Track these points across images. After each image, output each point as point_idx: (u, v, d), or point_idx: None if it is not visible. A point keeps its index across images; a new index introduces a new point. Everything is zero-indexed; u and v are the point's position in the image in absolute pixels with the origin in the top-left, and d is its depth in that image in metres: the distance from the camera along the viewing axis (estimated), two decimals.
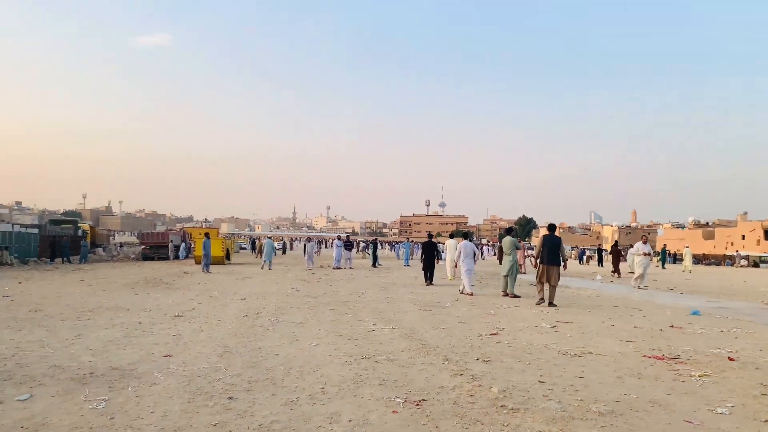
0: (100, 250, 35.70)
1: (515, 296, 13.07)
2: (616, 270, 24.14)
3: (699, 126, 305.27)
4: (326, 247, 59.22)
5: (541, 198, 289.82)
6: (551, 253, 11.67)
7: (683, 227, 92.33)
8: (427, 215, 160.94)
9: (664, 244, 38.21)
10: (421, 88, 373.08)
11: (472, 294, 13.67)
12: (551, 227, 12.42)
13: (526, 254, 25.33)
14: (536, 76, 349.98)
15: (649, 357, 6.55)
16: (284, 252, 45.49)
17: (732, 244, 65.93)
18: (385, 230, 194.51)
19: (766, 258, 47.90)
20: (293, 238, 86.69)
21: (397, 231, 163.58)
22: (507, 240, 13.78)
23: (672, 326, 9.07)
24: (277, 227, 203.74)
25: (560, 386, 5.12)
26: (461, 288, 14.13)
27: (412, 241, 43.54)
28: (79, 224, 42.01)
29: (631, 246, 33.23)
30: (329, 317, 9.47)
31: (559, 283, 12.03)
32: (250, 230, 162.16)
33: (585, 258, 43.23)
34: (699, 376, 5.56)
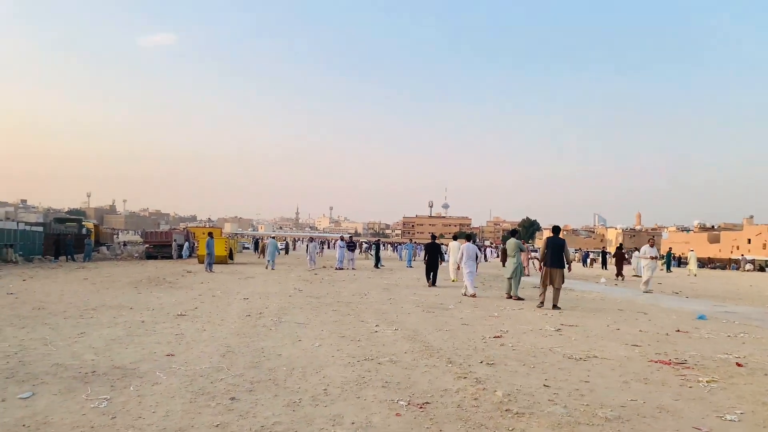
0: (103, 249, 35.74)
1: (519, 299, 13.01)
2: (619, 273, 24.04)
3: (705, 128, 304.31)
4: (329, 247, 59.22)
5: (545, 200, 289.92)
6: (555, 255, 11.61)
7: (688, 230, 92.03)
8: (430, 216, 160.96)
9: (670, 248, 37.99)
10: (425, 90, 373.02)
11: (474, 295, 13.62)
12: (555, 229, 12.35)
13: (530, 257, 25.24)
14: (539, 77, 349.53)
15: (656, 362, 6.48)
16: (287, 252, 45.49)
17: (738, 247, 65.74)
18: (387, 231, 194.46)
19: None
20: (296, 239, 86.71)
21: (399, 232, 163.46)
22: (511, 242, 13.72)
23: (678, 330, 9.00)
24: (280, 227, 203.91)
25: (566, 390, 5.06)
26: (464, 290, 14.07)
27: (415, 242, 43.48)
28: (83, 223, 42.03)
29: (636, 249, 33.17)
30: (332, 318, 9.43)
31: (564, 285, 11.95)
32: (253, 230, 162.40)
33: (589, 261, 43.08)
34: (707, 381, 5.50)
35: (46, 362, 5.67)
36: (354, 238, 29.46)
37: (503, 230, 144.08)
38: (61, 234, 32.07)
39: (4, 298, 11.24)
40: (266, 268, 23.69)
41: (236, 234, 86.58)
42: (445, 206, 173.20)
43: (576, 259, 48.47)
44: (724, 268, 50.53)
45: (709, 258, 57.10)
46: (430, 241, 17.99)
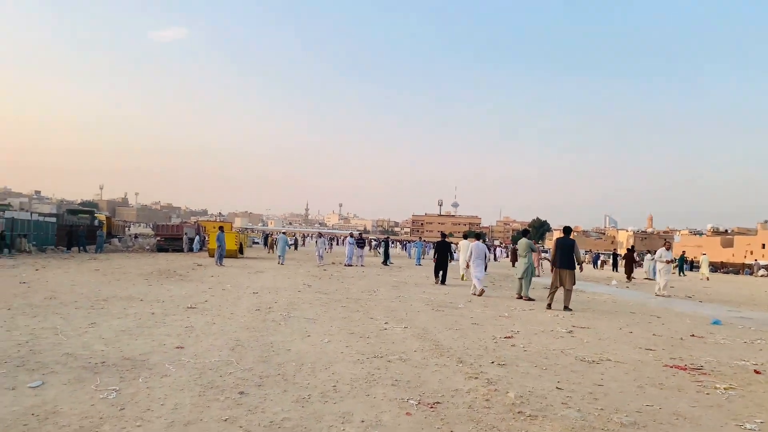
0: (115, 241, 35.92)
1: (529, 299, 12.90)
2: (629, 275, 23.82)
3: (720, 130, 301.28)
4: (338, 244, 59.23)
5: (556, 201, 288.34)
6: (564, 256, 11.51)
7: (701, 234, 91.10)
8: (440, 215, 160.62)
9: (683, 251, 37.57)
10: (436, 88, 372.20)
11: (483, 292, 13.56)
12: (566, 230, 12.22)
13: (540, 257, 25.09)
14: (552, 77, 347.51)
15: (671, 366, 6.37)
16: (296, 248, 45.55)
17: (751, 252, 65.01)
18: (396, 229, 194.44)
19: None
20: (305, 234, 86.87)
21: (408, 230, 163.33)
22: (522, 242, 13.61)
23: (693, 335, 8.86)
24: (290, 223, 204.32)
25: (579, 394, 4.98)
26: (473, 290, 13.98)
27: (425, 240, 43.35)
28: (95, 214, 42.31)
29: (649, 252, 32.92)
30: (341, 314, 9.39)
31: (574, 287, 11.82)
32: (263, 225, 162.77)
33: (599, 262, 42.78)
34: (724, 388, 5.38)
35: (57, 352, 5.66)
36: (364, 236, 29.39)
37: (513, 230, 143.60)
38: (73, 225, 32.28)
39: (17, 287, 11.30)
40: (279, 263, 23.72)
41: (246, 229, 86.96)
42: (455, 205, 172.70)
43: (586, 260, 48.18)
44: (737, 272, 49.99)
45: (722, 262, 56.47)
46: (440, 239, 17.92)
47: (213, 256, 23.26)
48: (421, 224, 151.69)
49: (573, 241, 11.72)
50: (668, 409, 4.65)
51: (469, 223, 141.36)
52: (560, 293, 11.57)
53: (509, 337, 7.79)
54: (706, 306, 14.39)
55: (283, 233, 27.88)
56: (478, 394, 4.77)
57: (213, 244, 23.80)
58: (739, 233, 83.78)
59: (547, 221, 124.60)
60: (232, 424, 3.77)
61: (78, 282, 12.80)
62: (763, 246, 65.44)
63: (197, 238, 33.68)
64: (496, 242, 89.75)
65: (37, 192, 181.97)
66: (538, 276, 21.68)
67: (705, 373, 6.10)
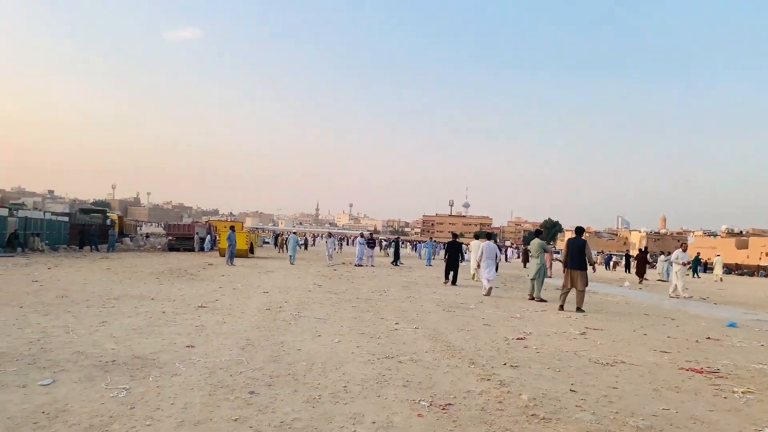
0: (127, 240, 36.15)
1: (541, 300, 12.79)
2: (641, 276, 23.52)
3: (734, 131, 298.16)
4: (348, 244, 59.24)
5: (567, 201, 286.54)
6: (575, 256, 11.39)
7: (715, 235, 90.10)
8: (450, 215, 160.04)
9: (698, 253, 37.18)
10: (446, 89, 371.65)
11: (490, 290, 13.49)
12: (578, 230, 12.08)
13: (552, 258, 24.90)
14: (563, 78, 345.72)
15: (687, 369, 6.26)
16: (305, 247, 45.63)
17: (766, 254, 64.11)
18: (407, 229, 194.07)
19: None
20: (315, 235, 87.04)
21: (419, 230, 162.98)
22: (535, 242, 13.50)
23: (708, 338, 8.73)
24: (300, 223, 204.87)
25: (593, 396, 4.89)
26: (484, 291, 13.89)
27: (435, 240, 43.24)
28: (107, 214, 42.62)
29: (662, 253, 32.58)
30: (351, 314, 9.34)
31: (587, 288, 11.70)
32: (274, 225, 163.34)
33: (612, 264, 42.41)
34: (742, 392, 5.27)
35: (68, 350, 5.66)
36: (374, 236, 29.35)
37: (524, 231, 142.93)
38: (86, 224, 32.53)
39: (30, 285, 11.38)
40: (291, 263, 23.73)
41: (257, 228, 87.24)
42: (466, 205, 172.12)
43: (598, 261, 47.79)
44: (752, 274, 49.34)
45: (736, 264, 55.77)
46: (451, 239, 17.83)
47: (224, 256, 23.33)
48: (432, 224, 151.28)
49: (584, 241, 11.59)
50: (685, 412, 4.56)
51: (480, 224, 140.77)
52: (573, 294, 11.46)
53: (521, 339, 7.71)
54: (721, 308, 14.20)
55: (294, 233, 27.91)
56: (491, 396, 4.70)
57: (224, 243, 23.87)
58: (754, 235, 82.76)
59: (559, 222, 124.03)
60: (242, 424, 3.73)
61: (90, 281, 12.86)
62: None
63: (208, 237, 33.82)
64: (507, 243, 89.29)
65: (51, 191, 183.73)
66: (550, 277, 21.52)
67: (722, 377, 5.99)
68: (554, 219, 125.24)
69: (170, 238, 33.34)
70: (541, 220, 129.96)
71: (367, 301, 11.23)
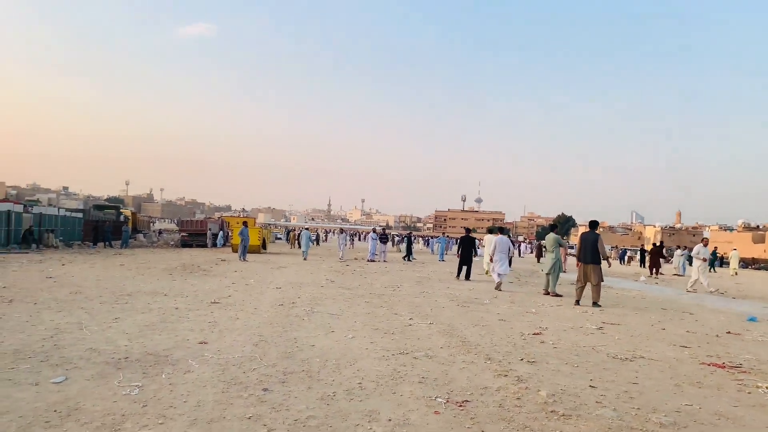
0: (140, 236, 36.44)
1: (557, 295, 12.63)
2: (652, 271, 23.17)
3: (750, 124, 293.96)
4: (360, 240, 59.18)
5: (581, 196, 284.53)
6: (587, 251, 11.25)
7: (731, 230, 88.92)
8: (463, 210, 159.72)
9: (715, 247, 36.63)
10: (459, 84, 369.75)
11: (500, 284, 13.37)
12: (592, 224, 11.89)
13: (567, 253, 24.68)
14: (576, 72, 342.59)
15: (708, 364, 6.12)
16: (317, 243, 45.66)
17: None
18: (419, 225, 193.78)
19: None
20: (327, 230, 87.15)
21: (431, 226, 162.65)
22: (550, 237, 13.33)
23: (729, 332, 8.55)
24: (312, 219, 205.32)
25: (613, 392, 4.78)
26: (497, 286, 13.77)
27: (448, 236, 43.10)
28: (121, 210, 42.99)
29: (678, 247, 32.14)
30: (364, 310, 9.27)
31: (603, 283, 11.53)
32: (286, 221, 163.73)
33: (626, 258, 42.02)
34: (767, 387, 5.13)
35: (81, 347, 5.64)
36: (387, 231, 29.28)
37: (537, 226, 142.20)
38: (99, 221, 32.81)
39: (44, 281, 11.42)
40: (303, 259, 23.71)
41: (269, 224, 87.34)
42: (479, 200, 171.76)
43: (612, 256, 47.34)
44: None
45: (753, 258, 54.99)
46: (464, 234, 17.69)
47: (236, 252, 23.36)
48: (444, 220, 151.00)
49: (597, 235, 11.42)
50: (708, 408, 4.44)
51: (493, 219, 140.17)
52: (589, 289, 11.32)
53: (538, 334, 7.59)
54: (740, 302, 13.95)
55: (306, 229, 27.89)
56: (509, 393, 4.60)
57: (236, 239, 23.91)
58: None
59: (573, 217, 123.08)
60: (256, 423, 3.67)
61: (103, 277, 12.90)
62: None
63: (221, 233, 33.93)
64: (520, 238, 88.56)
65: (65, 188, 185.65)
66: (564, 272, 21.33)
67: (745, 371, 5.85)
68: (568, 214, 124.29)
69: (183, 234, 33.49)
70: (554, 215, 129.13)
71: (380, 297, 11.14)
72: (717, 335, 8.24)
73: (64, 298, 9.13)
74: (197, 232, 33.24)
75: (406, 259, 26.27)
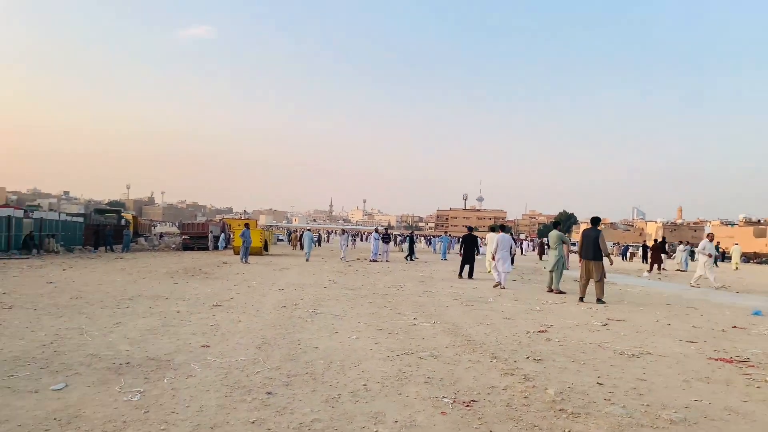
0: (141, 240, 36.33)
1: (560, 292, 12.57)
2: (656, 267, 22.97)
3: (749, 119, 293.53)
4: (362, 240, 59.08)
5: (582, 193, 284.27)
6: (588, 247, 11.21)
7: (733, 224, 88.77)
8: (465, 209, 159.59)
9: (717, 242, 36.56)
10: (458, 83, 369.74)
11: (499, 285, 13.31)
12: (593, 220, 11.84)
13: (569, 249, 24.57)
14: (575, 70, 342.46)
15: (715, 359, 6.06)
16: (319, 244, 45.63)
17: None
18: (421, 224, 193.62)
19: None
20: (329, 231, 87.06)
21: (433, 225, 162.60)
22: (554, 234, 13.27)
23: (734, 327, 8.48)
24: (314, 220, 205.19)
25: (622, 389, 4.71)
26: (495, 283, 13.71)
27: (450, 234, 43.03)
28: (122, 214, 42.91)
29: (680, 243, 32.04)
30: (368, 310, 9.20)
31: (606, 279, 11.46)
32: (288, 222, 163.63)
33: (629, 254, 41.91)
34: None
35: (81, 352, 5.57)
36: (389, 231, 29.19)
37: (539, 224, 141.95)
38: (100, 225, 32.75)
39: (44, 287, 11.36)
40: (306, 260, 23.66)
41: (271, 226, 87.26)
42: (480, 199, 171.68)
43: (614, 252, 47.21)
44: None
45: (755, 252, 54.85)
46: (466, 233, 17.63)
47: (238, 254, 23.31)
48: (446, 219, 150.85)
49: (599, 231, 11.37)
50: (718, 404, 4.38)
51: (495, 217, 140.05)
52: (591, 285, 11.26)
53: (543, 331, 7.52)
54: (744, 296, 13.88)
55: (308, 230, 27.85)
56: (516, 391, 4.54)
57: (238, 241, 23.85)
58: None
59: (574, 214, 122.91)
60: (260, 427, 3.60)
61: (104, 281, 12.84)
62: None
63: (222, 235, 33.87)
64: (522, 236, 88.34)
65: (66, 192, 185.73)
66: (567, 269, 21.24)
67: (753, 366, 5.79)
68: (569, 211, 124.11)
69: (184, 237, 33.41)
70: (555, 212, 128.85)
71: (383, 297, 11.08)
72: (723, 330, 8.17)
73: (64, 303, 9.07)
74: (199, 234, 33.17)
75: (408, 258, 26.20)
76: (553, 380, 4.94)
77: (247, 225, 23.54)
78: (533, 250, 45.60)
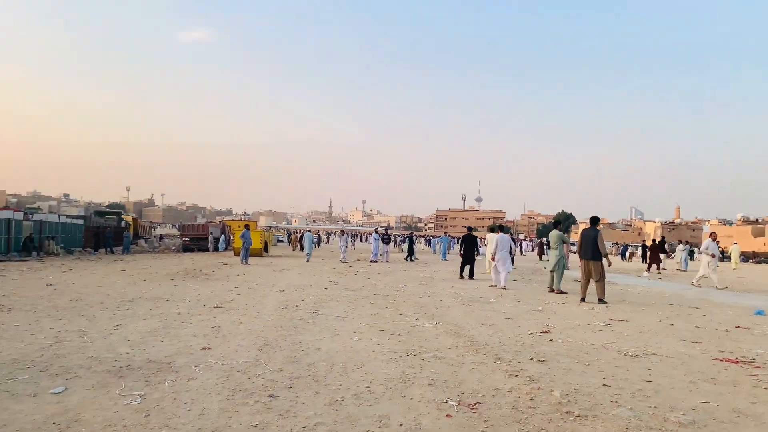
0: (142, 242, 36.30)
1: (561, 292, 12.51)
2: (654, 266, 22.86)
3: (747, 120, 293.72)
4: (362, 241, 58.97)
5: (581, 193, 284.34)
6: (587, 247, 11.17)
7: (731, 224, 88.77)
8: (464, 210, 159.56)
9: (718, 241, 36.55)
10: (458, 84, 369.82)
11: (496, 285, 13.26)
12: (592, 220, 11.78)
13: (569, 249, 24.54)
14: (575, 70, 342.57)
15: (721, 360, 6.00)
16: (319, 245, 45.56)
17: None
18: (420, 225, 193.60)
19: None
20: (329, 232, 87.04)
21: (432, 225, 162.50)
22: (554, 234, 13.22)
23: (738, 327, 8.43)
24: (314, 221, 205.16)
25: (628, 391, 4.66)
26: (492, 283, 13.66)
27: (450, 235, 42.94)
28: (122, 216, 42.87)
29: (680, 242, 31.99)
30: (370, 311, 9.14)
31: (606, 279, 11.41)
32: (288, 223, 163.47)
33: (628, 254, 41.87)
34: None
35: (81, 355, 5.51)
36: (389, 231, 29.15)
37: (538, 224, 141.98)
38: (100, 227, 32.68)
39: (44, 289, 11.30)
40: (307, 261, 23.59)
41: (271, 227, 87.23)
42: (479, 200, 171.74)
43: (613, 252, 47.16)
44: None
45: (753, 252, 54.87)
46: (466, 233, 17.58)
47: (238, 255, 23.25)
48: (445, 219, 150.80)
49: (597, 231, 11.31)
50: (726, 406, 4.33)
51: (494, 218, 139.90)
52: (592, 286, 11.21)
53: (546, 332, 7.47)
54: (745, 296, 13.83)
55: (308, 231, 27.79)
56: (521, 393, 4.48)
57: (238, 243, 23.79)
58: None
59: (573, 214, 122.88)
60: (263, 431, 3.55)
61: (104, 283, 12.78)
62: None
63: (222, 237, 33.81)
64: (521, 236, 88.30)
65: (66, 195, 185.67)
66: (567, 269, 21.18)
67: (759, 366, 5.74)
68: (568, 211, 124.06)
69: (184, 238, 33.36)
70: (554, 212, 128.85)
71: (385, 298, 11.02)
72: (726, 330, 8.12)
73: (64, 305, 9.00)
74: (199, 236, 33.12)
75: (408, 259, 26.14)
76: (558, 382, 4.89)
77: (247, 226, 23.48)
78: (533, 250, 45.58)
